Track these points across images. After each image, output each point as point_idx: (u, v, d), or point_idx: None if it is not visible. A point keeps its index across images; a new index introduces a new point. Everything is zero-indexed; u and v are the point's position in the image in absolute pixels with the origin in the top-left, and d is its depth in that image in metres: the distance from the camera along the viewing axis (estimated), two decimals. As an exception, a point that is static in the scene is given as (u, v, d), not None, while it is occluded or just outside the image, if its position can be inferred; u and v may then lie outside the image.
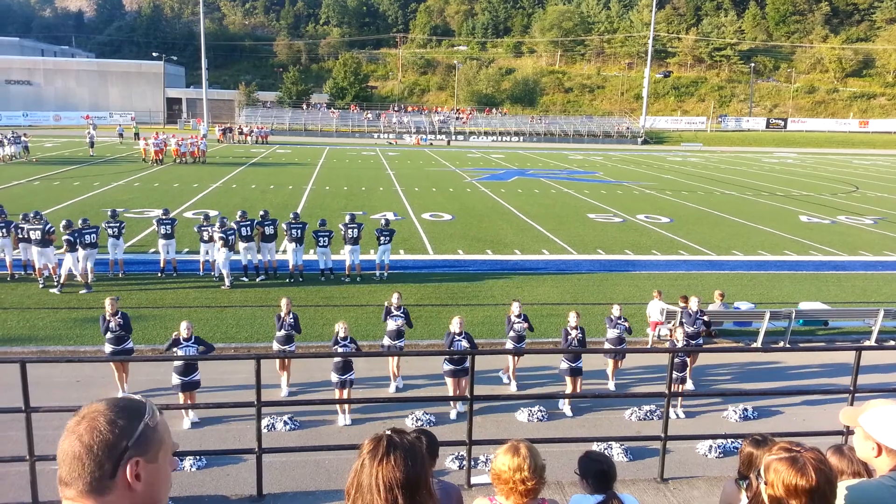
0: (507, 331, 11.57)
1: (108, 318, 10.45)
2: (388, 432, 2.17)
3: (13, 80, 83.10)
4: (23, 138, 42.67)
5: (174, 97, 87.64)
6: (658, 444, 7.30)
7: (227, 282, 16.05)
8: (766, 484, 2.39)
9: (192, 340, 9.89)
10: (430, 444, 3.65)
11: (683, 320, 12.01)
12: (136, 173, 36.54)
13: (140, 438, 1.61)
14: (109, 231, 16.46)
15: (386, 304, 11.67)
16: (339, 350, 10.01)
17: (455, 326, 10.34)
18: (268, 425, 9.47)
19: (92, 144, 46.11)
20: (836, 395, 10.57)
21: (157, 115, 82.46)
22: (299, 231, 16.79)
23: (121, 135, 59.76)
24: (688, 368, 11.15)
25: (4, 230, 16.12)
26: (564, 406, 10.65)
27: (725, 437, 9.32)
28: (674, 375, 10.43)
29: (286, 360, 10.80)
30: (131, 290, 15.67)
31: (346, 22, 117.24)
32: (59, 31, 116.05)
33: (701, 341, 12.17)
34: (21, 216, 16.31)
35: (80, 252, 15.58)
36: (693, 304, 12.08)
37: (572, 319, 10.99)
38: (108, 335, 10.50)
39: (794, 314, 13.62)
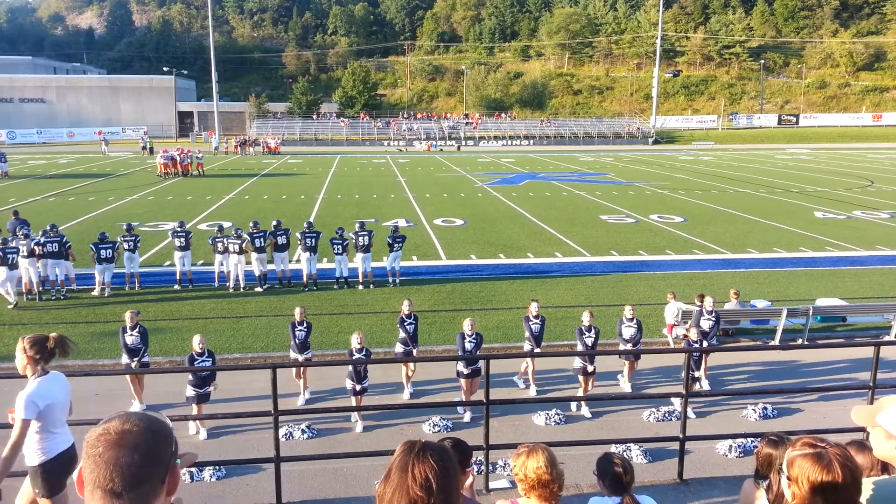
0: (525, 328, 11.56)
1: (127, 330, 10.60)
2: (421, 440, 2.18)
3: (27, 98, 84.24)
4: None
5: (185, 111, 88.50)
6: (676, 445, 7.27)
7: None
8: (789, 480, 2.35)
9: (206, 355, 9.94)
10: (462, 453, 3.52)
11: (699, 319, 11.96)
12: (150, 187, 36.88)
13: (176, 444, 1.76)
14: (125, 245, 16.63)
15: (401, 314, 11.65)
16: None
17: (467, 328, 10.45)
18: (286, 434, 9.52)
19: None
20: (855, 391, 10.47)
21: (169, 128, 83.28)
22: (313, 240, 16.86)
23: (144, 147, 60.86)
24: (702, 367, 11.12)
25: (27, 250, 15.72)
26: (582, 408, 10.61)
27: (745, 436, 9.25)
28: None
29: (303, 368, 10.86)
30: (148, 302, 15.81)
31: (354, 31, 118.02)
32: (71, 48, 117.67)
33: (714, 341, 12.09)
34: (41, 232, 16.49)
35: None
36: (707, 304, 11.99)
37: (585, 319, 10.99)
38: (125, 347, 10.63)
39: (811, 311, 13.51)
